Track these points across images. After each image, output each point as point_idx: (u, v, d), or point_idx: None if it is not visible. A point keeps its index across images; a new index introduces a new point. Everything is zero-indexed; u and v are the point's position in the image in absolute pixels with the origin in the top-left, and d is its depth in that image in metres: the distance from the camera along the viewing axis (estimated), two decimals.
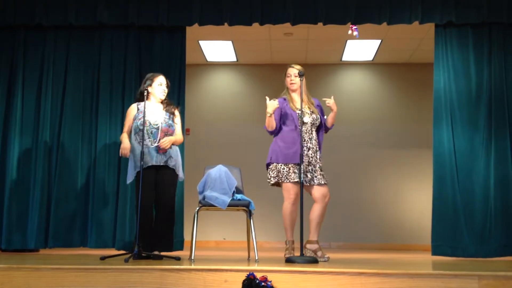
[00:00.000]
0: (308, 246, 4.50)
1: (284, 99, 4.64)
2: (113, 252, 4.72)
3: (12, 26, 5.66)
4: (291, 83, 4.62)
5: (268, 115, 4.49)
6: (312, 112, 4.61)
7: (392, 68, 8.36)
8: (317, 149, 4.61)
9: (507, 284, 3.27)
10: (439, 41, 5.56)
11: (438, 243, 5.25)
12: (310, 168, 4.52)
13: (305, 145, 4.52)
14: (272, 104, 4.47)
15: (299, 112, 4.48)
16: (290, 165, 4.49)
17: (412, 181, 8.05)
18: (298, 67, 4.62)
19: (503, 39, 5.52)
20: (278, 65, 8.28)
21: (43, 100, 5.57)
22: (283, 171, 4.50)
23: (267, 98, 4.54)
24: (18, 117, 5.53)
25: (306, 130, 4.55)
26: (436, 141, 5.44)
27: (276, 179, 4.53)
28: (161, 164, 4.49)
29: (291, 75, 4.63)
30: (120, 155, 4.59)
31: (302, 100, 4.45)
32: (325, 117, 4.70)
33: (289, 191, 4.50)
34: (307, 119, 4.56)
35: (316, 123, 4.62)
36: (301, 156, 4.29)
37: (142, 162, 4.32)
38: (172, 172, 4.57)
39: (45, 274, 3.46)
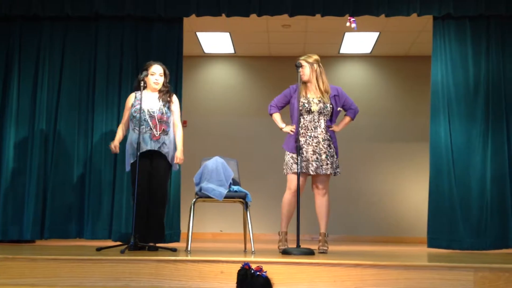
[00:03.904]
0: (319, 237, 4.59)
1: (295, 88, 4.66)
2: (109, 243, 4.73)
3: (8, 17, 5.62)
4: (301, 74, 4.63)
5: (282, 127, 4.70)
6: (320, 101, 4.60)
7: (390, 61, 8.34)
8: (326, 138, 4.60)
9: (502, 277, 3.29)
10: (437, 33, 5.55)
11: (434, 236, 5.25)
12: (315, 157, 4.52)
13: (309, 134, 4.53)
14: (288, 129, 4.65)
15: (305, 101, 4.57)
16: (294, 155, 4.55)
17: (408, 174, 8.05)
18: (312, 59, 4.66)
19: (501, 31, 5.51)
20: (276, 57, 8.29)
21: (39, 91, 5.55)
22: (288, 162, 4.59)
23: (288, 127, 4.68)
24: (14, 108, 5.51)
25: (312, 118, 4.54)
26: (433, 134, 5.43)
27: (284, 168, 4.64)
28: (155, 149, 4.49)
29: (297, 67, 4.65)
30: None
31: (299, 90, 4.50)
32: (339, 109, 4.73)
33: (291, 182, 4.57)
34: (314, 107, 4.56)
35: (324, 112, 4.61)
36: (298, 147, 4.31)
37: (138, 153, 4.33)
38: (166, 162, 4.59)
39: (41, 265, 3.46)
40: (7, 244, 5.14)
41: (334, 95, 4.70)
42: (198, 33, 7.51)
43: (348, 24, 5.89)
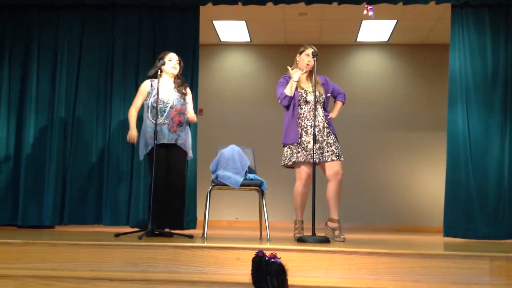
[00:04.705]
0: (329, 223, 4.58)
1: (289, 77, 4.65)
2: (127, 229, 4.78)
3: (25, 5, 5.68)
4: (308, 64, 4.61)
5: (295, 80, 4.56)
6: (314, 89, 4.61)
7: (408, 49, 8.27)
8: (325, 125, 4.61)
9: None
10: (455, 22, 5.49)
11: (451, 225, 5.23)
12: (317, 146, 4.52)
13: (310, 123, 4.53)
14: (297, 72, 4.57)
15: (301, 91, 4.58)
16: (292, 147, 4.55)
17: (425, 163, 8.01)
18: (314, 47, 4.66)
19: None
20: (292, 46, 8.22)
21: (58, 79, 5.62)
22: (286, 154, 4.59)
23: (289, 68, 4.62)
24: (33, 96, 5.58)
25: (310, 108, 4.54)
26: (450, 123, 5.39)
27: (283, 161, 4.63)
28: (172, 142, 4.54)
29: (310, 55, 4.61)
30: (127, 140, 4.66)
31: (315, 81, 4.50)
32: (328, 94, 4.73)
33: (300, 172, 4.56)
34: (310, 97, 4.56)
35: (320, 100, 4.62)
36: (314, 135, 4.30)
37: (155, 141, 4.36)
38: (182, 152, 4.63)
39: (61, 250, 3.53)
40: (27, 230, 5.23)
41: (323, 83, 4.73)
42: (214, 22, 7.52)
43: (365, 12, 5.82)
